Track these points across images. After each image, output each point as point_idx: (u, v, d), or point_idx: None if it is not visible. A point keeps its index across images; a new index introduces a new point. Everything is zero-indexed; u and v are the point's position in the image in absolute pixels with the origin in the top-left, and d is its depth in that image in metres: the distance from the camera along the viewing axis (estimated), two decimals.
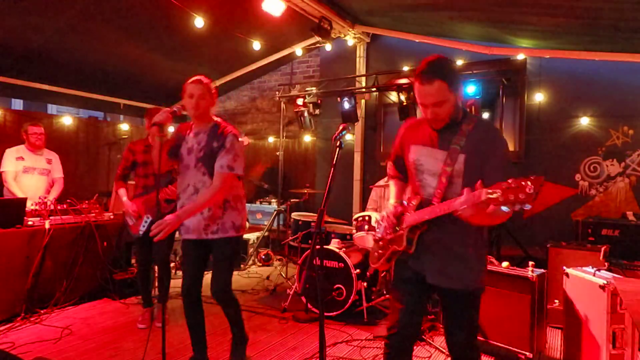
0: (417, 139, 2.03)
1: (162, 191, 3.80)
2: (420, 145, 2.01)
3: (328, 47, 6.41)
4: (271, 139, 7.67)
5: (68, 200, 4.39)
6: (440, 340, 3.54)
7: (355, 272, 3.94)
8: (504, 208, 1.55)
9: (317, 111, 6.25)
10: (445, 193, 1.89)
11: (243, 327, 3.08)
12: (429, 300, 2.19)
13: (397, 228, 2.05)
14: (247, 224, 3.02)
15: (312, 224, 4.74)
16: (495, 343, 3.21)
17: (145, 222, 3.72)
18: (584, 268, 2.97)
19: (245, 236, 6.37)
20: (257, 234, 6.56)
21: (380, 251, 2.16)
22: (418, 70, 1.87)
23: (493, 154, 1.84)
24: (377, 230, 2.21)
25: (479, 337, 3.27)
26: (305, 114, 6.21)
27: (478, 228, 1.93)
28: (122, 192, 3.86)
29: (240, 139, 2.83)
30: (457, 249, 1.96)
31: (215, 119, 2.89)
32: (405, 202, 2.09)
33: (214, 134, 2.77)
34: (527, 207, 1.53)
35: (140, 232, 3.74)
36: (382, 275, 4.45)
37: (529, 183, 1.51)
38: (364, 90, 6.23)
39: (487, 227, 2.03)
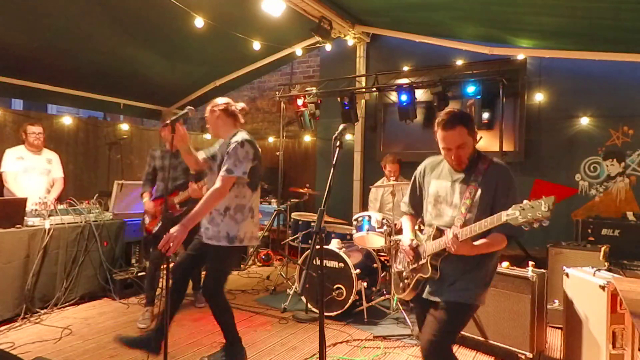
0: (438, 175, 2.29)
1: (176, 195, 4.02)
2: (441, 180, 2.26)
3: (328, 47, 6.41)
4: (271, 139, 7.67)
5: (68, 200, 4.39)
6: None
7: (355, 272, 3.93)
8: (524, 227, 1.81)
9: (317, 111, 6.24)
10: (465, 221, 2.10)
11: (232, 335, 3.02)
12: None
13: (419, 258, 2.26)
14: (249, 238, 2.98)
15: (312, 223, 4.74)
16: (495, 343, 3.21)
17: (160, 223, 4.00)
18: (584, 268, 2.97)
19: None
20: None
21: (406, 281, 2.34)
22: (440, 120, 2.14)
23: (507, 188, 2.10)
24: (397, 263, 2.44)
25: (479, 337, 3.29)
26: (305, 114, 6.21)
27: (487, 254, 2.12)
28: (145, 195, 4.17)
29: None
30: (459, 267, 2.13)
31: (238, 129, 3.01)
32: (420, 235, 2.32)
33: (229, 142, 2.89)
34: (545, 223, 1.75)
35: (153, 231, 4.02)
36: (382, 275, 4.45)
37: (542, 202, 1.75)
38: (364, 90, 6.23)
39: (498, 254, 2.20)
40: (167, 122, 2.71)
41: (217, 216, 2.87)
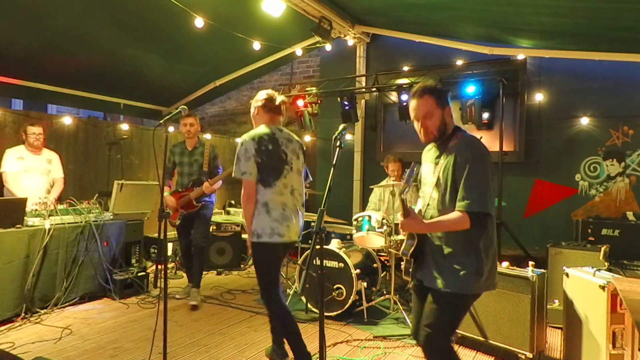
0: (426, 159, 2.31)
1: (191, 190, 4.42)
2: (427, 163, 2.27)
3: (328, 47, 6.41)
4: None
5: (68, 200, 4.39)
6: None
7: (355, 272, 3.93)
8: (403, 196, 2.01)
9: (317, 111, 6.24)
10: (438, 201, 2.12)
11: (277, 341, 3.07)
12: None
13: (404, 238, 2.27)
14: (270, 234, 2.85)
15: (312, 223, 4.73)
16: (495, 343, 3.21)
17: (181, 214, 4.47)
18: (584, 268, 2.97)
19: (245, 236, 6.33)
20: None
21: (402, 263, 2.34)
22: (411, 91, 2.19)
23: (464, 167, 2.02)
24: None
25: (479, 337, 3.28)
26: (305, 114, 6.21)
27: (468, 236, 2.05)
28: (165, 189, 4.37)
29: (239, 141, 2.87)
30: (444, 251, 2.11)
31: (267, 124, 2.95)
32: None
33: None
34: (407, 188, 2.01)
35: (177, 223, 4.50)
36: (382, 275, 4.45)
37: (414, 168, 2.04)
38: (364, 90, 6.23)
39: (483, 235, 2.08)
40: (161, 121, 2.72)
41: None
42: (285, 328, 2.90)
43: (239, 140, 2.86)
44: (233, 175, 2.81)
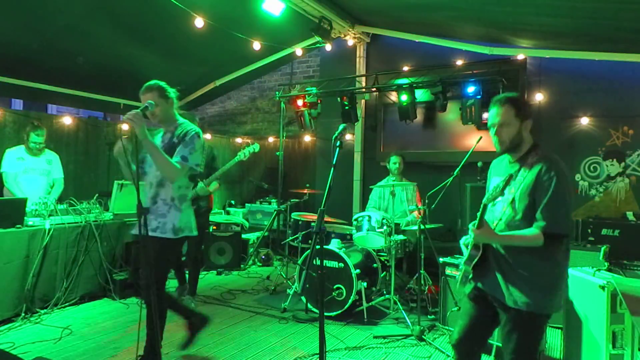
0: (497, 171, 2.31)
1: None
2: (499, 176, 2.23)
3: (328, 47, 6.41)
4: (271, 139, 7.67)
5: (68, 200, 4.39)
6: (440, 341, 3.54)
7: (355, 272, 3.93)
8: None
9: (317, 111, 6.25)
10: (508, 216, 2.11)
11: (157, 339, 2.66)
12: (492, 318, 2.22)
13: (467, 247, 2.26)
14: (190, 229, 2.91)
15: (312, 224, 4.74)
16: (495, 343, 3.21)
17: None
18: (584, 268, 2.97)
19: (245, 236, 6.37)
20: (257, 234, 6.55)
21: (460, 272, 2.31)
22: (496, 97, 2.19)
23: (547, 187, 2.01)
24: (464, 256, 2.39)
25: None
26: (305, 114, 6.21)
27: (541, 252, 2.02)
28: None
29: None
30: (514, 266, 2.08)
31: (180, 120, 2.94)
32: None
33: (174, 132, 2.85)
34: None
35: None
36: (382, 275, 4.45)
37: None
38: (364, 90, 6.23)
39: (556, 253, 2.05)
40: (123, 117, 2.61)
41: (162, 206, 2.79)
42: (162, 321, 2.87)
43: (192, 129, 2.82)
44: (187, 163, 2.71)
